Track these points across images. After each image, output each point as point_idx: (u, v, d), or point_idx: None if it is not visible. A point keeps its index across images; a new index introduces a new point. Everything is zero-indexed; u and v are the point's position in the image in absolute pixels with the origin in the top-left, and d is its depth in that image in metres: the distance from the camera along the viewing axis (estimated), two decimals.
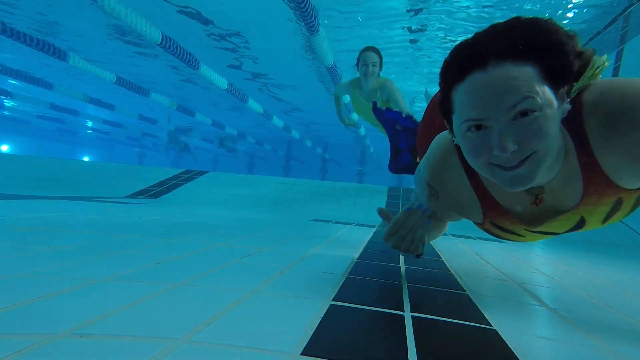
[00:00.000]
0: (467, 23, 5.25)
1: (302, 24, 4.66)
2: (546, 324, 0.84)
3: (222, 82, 7.06)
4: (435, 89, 1.28)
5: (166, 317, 0.64)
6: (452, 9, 4.90)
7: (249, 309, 0.71)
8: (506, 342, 0.66)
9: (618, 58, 4.21)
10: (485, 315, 0.81)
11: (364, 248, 1.67)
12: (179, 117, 13.20)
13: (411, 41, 6.06)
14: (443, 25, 5.42)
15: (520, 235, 0.98)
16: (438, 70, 0.76)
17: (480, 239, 2.61)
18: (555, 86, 0.66)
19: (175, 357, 0.49)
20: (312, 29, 4.56)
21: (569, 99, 0.68)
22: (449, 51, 0.72)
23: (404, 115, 1.99)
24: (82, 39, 7.10)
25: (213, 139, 16.78)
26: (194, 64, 5.89)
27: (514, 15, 0.69)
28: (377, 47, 2.95)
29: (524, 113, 0.64)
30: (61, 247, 1.16)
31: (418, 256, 0.95)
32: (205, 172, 5.42)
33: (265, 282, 0.92)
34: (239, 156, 21.50)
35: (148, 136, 18.00)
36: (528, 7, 4.53)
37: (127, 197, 4.05)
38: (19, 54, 8.38)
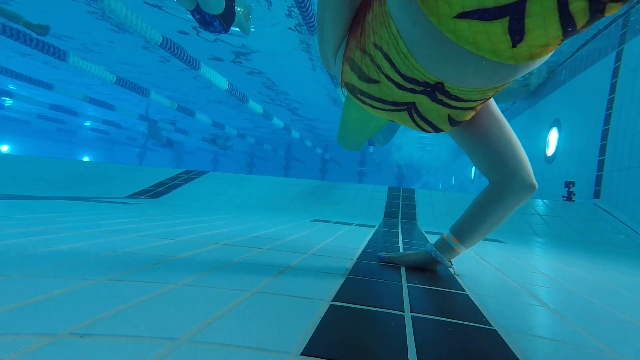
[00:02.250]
0: None
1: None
2: (546, 324, 0.84)
3: (223, 83, 7.06)
4: None
5: (166, 317, 0.64)
6: None
7: (249, 309, 0.71)
8: (506, 342, 0.66)
9: (618, 58, 4.21)
10: (485, 315, 0.82)
11: (364, 248, 1.67)
12: (160, 108, 12.57)
13: None
14: None
15: None
16: None
17: None
18: None
19: (175, 357, 0.49)
20: (312, 29, 4.56)
21: None
22: None
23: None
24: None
25: (207, 137, 16.33)
26: (194, 64, 5.89)
27: None
28: None
29: None
30: (60, 248, 1.16)
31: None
32: (206, 172, 5.42)
33: (265, 282, 0.92)
34: (233, 154, 21.36)
35: (120, 129, 16.76)
36: None
37: (127, 197, 4.05)
38: (18, 53, 8.38)
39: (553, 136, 5.59)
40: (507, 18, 0.66)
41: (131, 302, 0.69)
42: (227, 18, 3.36)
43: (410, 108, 0.97)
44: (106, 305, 0.67)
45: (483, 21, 0.67)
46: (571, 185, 4.51)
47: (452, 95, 0.89)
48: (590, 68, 4.83)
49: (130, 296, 0.73)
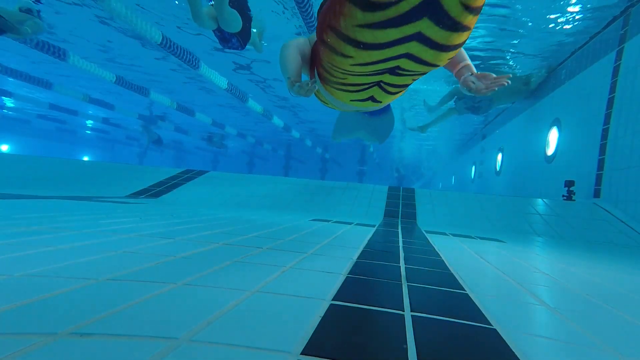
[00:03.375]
0: None
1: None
2: (546, 323, 0.84)
3: (222, 82, 7.06)
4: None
5: (166, 316, 0.64)
6: None
7: (249, 309, 0.71)
8: (506, 341, 0.66)
9: (618, 58, 4.20)
10: (485, 314, 0.82)
11: (364, 248, 1.67)
12: (151, 104, 12.17)
13: None
14: None
15: None
16: None
17: (481, 238, 2.61)
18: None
19: (175, 356, 0.49)
20: (311, 29, 4.56)
21: None
22: None
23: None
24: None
25: (203, 135, 16.18)
26: (194, 63, 5.89)
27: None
28: None
29: None
30: (61, 247, 1.16)
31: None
32: (205, 171, 5.42)
33: (266, 281, 0.93)
34: (232, 154, 21.34)
35: (118, 127, 16.43)
36: (534, 6, 4.51)
37: (127, 196, 4.05)
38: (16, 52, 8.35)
39: (553, 135, 5.59)
40: (370, 100, 1.52)
41: (131, 302, 0.69)
42: (243, 36, 3.92)
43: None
44: (106, 305, 0.67)
45: (360, 102, 1.55)
46: (571, 185, 4.51)
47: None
48: (590, 67, 4.83)
49: (130, 296, 0.73)
